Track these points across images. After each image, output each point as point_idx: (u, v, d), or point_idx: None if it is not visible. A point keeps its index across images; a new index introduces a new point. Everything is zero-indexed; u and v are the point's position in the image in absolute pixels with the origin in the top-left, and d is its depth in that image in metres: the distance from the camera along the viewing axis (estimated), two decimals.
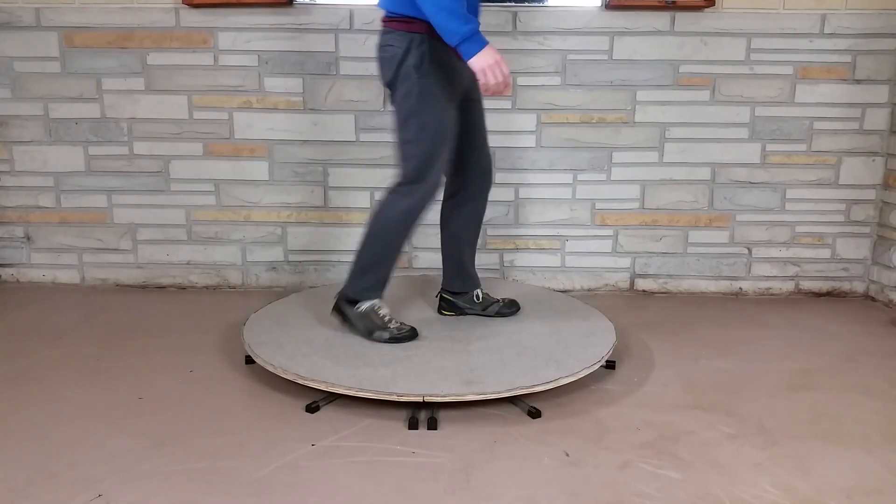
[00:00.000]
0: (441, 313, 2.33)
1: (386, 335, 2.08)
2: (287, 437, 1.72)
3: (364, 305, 2.10)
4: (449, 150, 2.05)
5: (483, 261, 2.88)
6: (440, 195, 2.13)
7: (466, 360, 1.95)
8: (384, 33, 1.99)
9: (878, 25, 2.70)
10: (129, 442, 1.69)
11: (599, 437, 1.74)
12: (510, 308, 2.33)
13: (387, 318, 2.11)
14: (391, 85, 2.00)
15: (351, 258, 2.86)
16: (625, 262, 2.91)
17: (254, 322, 2.24)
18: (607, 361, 2.07)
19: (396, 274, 2.90)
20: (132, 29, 2.70)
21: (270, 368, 1.93)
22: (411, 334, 2.10)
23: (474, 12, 1.99)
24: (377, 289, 2.11)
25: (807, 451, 1.69)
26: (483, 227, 2.85)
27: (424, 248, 2.89)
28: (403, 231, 2.06)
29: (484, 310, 2.31)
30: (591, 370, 1.95)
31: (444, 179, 2.15)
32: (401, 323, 2.13)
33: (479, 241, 2.87)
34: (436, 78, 1.96)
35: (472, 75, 1.97)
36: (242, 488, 1.51)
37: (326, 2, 2.69)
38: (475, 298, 2.31)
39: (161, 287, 2.92)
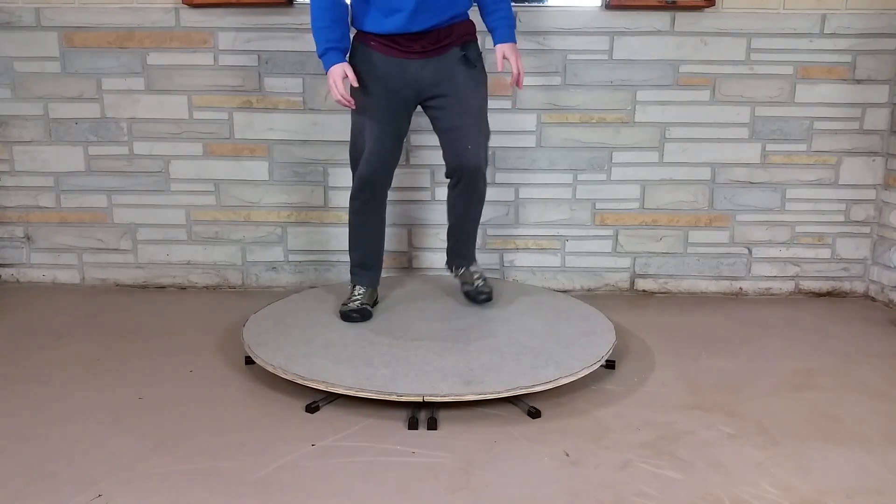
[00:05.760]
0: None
1: None
2: (287, 437, 1.72)
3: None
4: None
5: (483, 261, 2.88)
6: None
7: (466, 360, 1.95)
8: None
9: (879, 25, 2.70)
10: (129, 442, 1.69)
11: (599, 437, 1.74)
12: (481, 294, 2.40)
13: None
14: None
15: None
16: (625, 262, 2.91)
17: (254, 322, 2.24)
18: (607, 361, 2.07)
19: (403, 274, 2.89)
20: (132, 29, 2.70)
21: (270, 369, 1.93)
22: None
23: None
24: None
25: (807, 451, 1.69)
26: (483, 226, 2.86)
27: (424, 249, 2.89)
28: None
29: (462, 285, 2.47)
30: (590, 370, 1.95)
31: (377, 173, 2.24)
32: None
33: (479, 241, 2.87)
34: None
35: (423, 78, 2.14)
36: (242, 488, 1.51)
37: None
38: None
39: (161, 287, 2.92)
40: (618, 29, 2.70)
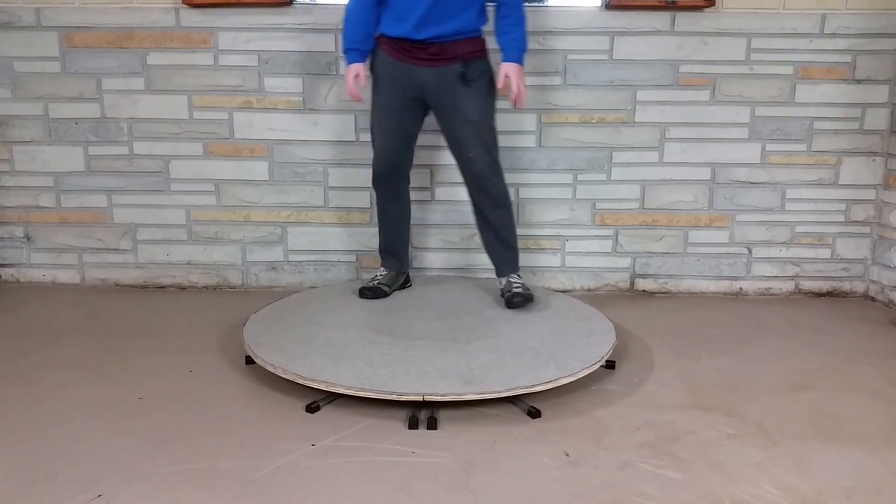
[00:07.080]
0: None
1: None
2: (287, 437, 1.72)
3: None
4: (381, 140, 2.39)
5: (484, 261, 2.87)
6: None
7: (466, 360, 1.95)
8: None
9: (879, 25, 2.70)
10: (129, 442, 1.69)
11: (599, 437, 1.74)
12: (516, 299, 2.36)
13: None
14: None
15: (351, 258, 2.88)
16: (625, 262, 2.91)
17: (254, 322, 2.24)
18: (607, 361, 2.07)
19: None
20: (132, 29, 2.70)
21: (270, 368, 1.93)
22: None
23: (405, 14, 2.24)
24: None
25: (807, 451, 1.69)
26: None
27: (424, 249, 2.90)
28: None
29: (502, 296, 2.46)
30: (591, 370, 1.95)
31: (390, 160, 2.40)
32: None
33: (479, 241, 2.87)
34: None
35: (426, 85, 2.29)
36: (242, 488, 1.51)
37: (326, 2, 2.69)
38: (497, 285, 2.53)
39: (161, 287, 2.92)
40: (618, 29, 2.70)
